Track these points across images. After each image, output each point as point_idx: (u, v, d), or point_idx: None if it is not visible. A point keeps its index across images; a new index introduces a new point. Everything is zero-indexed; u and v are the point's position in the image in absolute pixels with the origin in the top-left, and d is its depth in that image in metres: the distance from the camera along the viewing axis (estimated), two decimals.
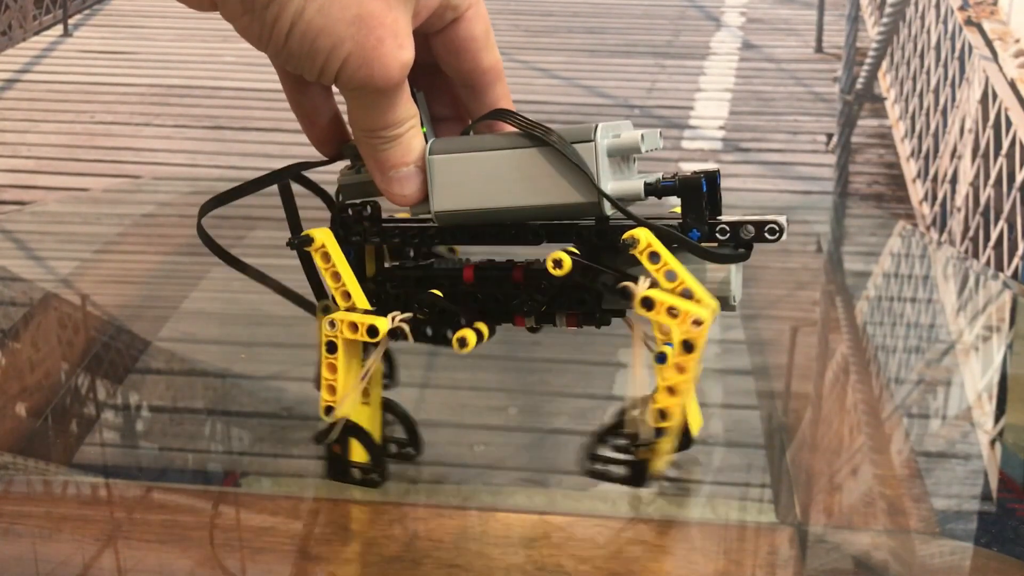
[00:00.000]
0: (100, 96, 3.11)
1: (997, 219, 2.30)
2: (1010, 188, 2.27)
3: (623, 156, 0.40)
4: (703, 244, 0.40)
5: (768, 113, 3.06)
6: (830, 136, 2.93)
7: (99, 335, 0.75)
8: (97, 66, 3.28)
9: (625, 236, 0.39)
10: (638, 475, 0.41)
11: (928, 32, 2.85)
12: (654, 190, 0.40)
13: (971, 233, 2.42)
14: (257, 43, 0.38)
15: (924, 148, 2.77)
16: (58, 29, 3.50)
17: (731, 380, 0.67)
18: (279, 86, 0.43)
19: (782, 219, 0.40)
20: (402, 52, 0.38)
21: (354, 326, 0.42)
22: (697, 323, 0.38)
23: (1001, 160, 2.31)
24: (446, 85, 0.45)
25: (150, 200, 1.41)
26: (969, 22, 2.60)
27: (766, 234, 0.40)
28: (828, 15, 3.39)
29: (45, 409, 0.58)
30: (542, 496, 0.48)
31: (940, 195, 2.62)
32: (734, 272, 0.41)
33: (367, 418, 0.44)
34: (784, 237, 0.40)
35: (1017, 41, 2.46)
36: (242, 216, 1.35)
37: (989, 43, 2.50)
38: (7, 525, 0.44)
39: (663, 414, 0.39)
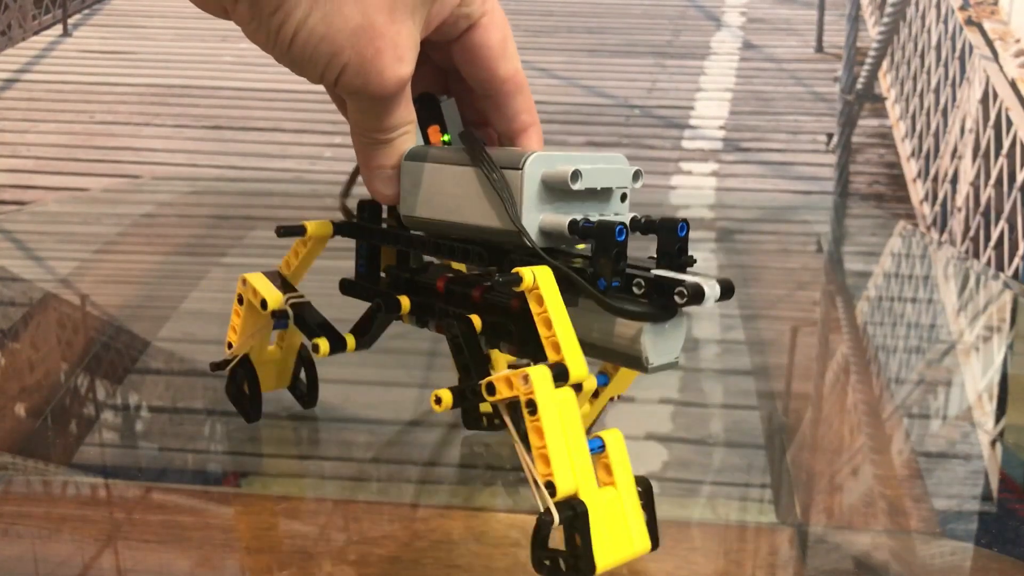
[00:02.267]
0: (100, 96, 3.11)
1: (997, 219, 2.30)
2: (1010, 188, 2.27)
3: (561, 189, 0.38)
4: (622, 296, 0.37)
5: (768, 113, 3.06)
6: (830, 136, 2.93)
7: (99, 335, 0.75)
8: (97, 66, 3.28)
9: (514, 271, 0.37)
10: (583, 564, 0.35)
11: (928, 32, 2.85)
12: (576, 229, 0.38)
13: (971, 233, 2.42)
14: (263, 47, 0.39)
15: (924, 148, 2.77)
16: (58, 29, 3.50)
17: (731, 380, 0.67)
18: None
19: (706, 285, 0.36)
20: (400, 65, 0.39)
21: (255, 292, 0.49)
22: (525, 379, 0.35)
23: (1001, 160, 2.31)
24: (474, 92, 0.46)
25: (150, 200, 1.41)
26: (969, 22, 2.60)
27: (675, 296, 0.36)
28: (828, 15, 3.40)
29: (45, 409, 0.58)
30: None
31: (940, 195, 2.62)
32: (649, 331, 0.37)
33: (269, 359, 0.53)
34: (704, 304, 0.36)
35: (1017, 41, 2.46)
36: (242, 216, 1.35)
37: (990, 43, 2.51)
38: (7, 525, 0.44)
39: (550, 487, 0.35)
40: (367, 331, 0.47)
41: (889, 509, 0.47)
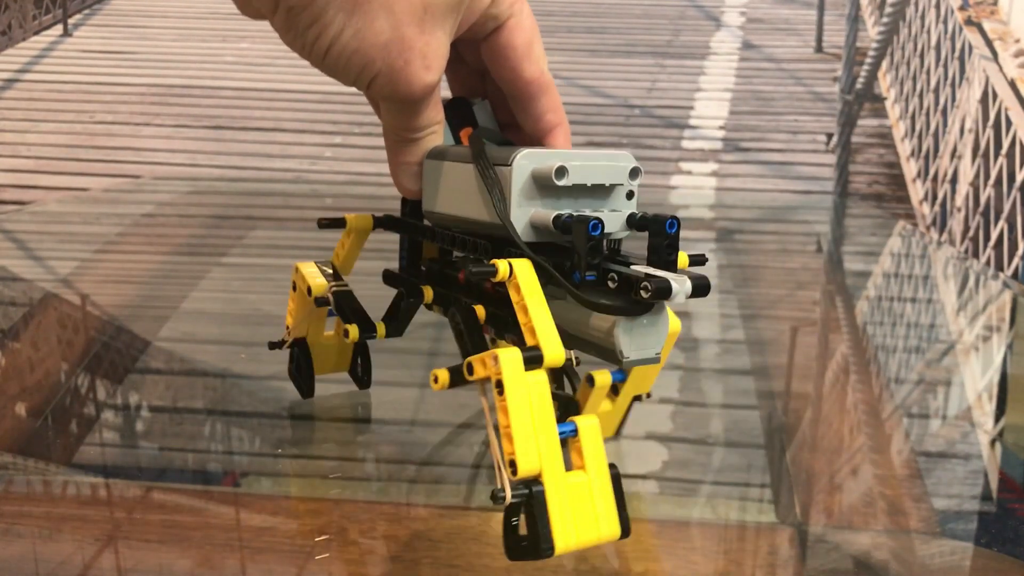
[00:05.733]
0: (100, 96, 3.11)
1: (997, 219, 2.30)
2: (1010, 188, 2.27)
3: (551, 185, 0.39)
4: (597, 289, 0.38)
5: (768, 113, 3.06)
6: (830, 136, 2.93)
7: (99, 335, 0.75)
8: (97, 66, 3.28)
9: (490, 262, 0.38)
10: (542, 543, 0.35)
11: (928, 32, 2.85)
12: (559, 224, 0.38)
13: (971, 233, 2.42)
14: (299, 54, 0.41)
15: (924, 148, 2.77)
16: (58, 29, 3.50)
17: (731, 380, 0.67)
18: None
19: (676, 281, 0.36)
20: (427, 73, 0.41)
21: (303, 279, 0.52)
22: (495, 360, 0.36)
23: (1001, 160, 2.32)
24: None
25: (150, 200, 1.41)
26: (969, 22, 2.60)
27: (640, 291, 0.36)
28: (828, 15, 3.40)
29: (45, 409, 0.58)
30: None
31: (940, 195, 2.62)
32: (623, 325, 0.37)
33: (329, 346, 0.55)
34: (673, 300, 0.36)
35: (1017, 41, 2.46)
36: (242, 216, 1.35)
37: (989, 43, 2.51)
38: (7, 525, 0.44)
39: (513, 465, 0.35)
40: (395, 318, 0.50)
41: (889, 509, 0.47)
